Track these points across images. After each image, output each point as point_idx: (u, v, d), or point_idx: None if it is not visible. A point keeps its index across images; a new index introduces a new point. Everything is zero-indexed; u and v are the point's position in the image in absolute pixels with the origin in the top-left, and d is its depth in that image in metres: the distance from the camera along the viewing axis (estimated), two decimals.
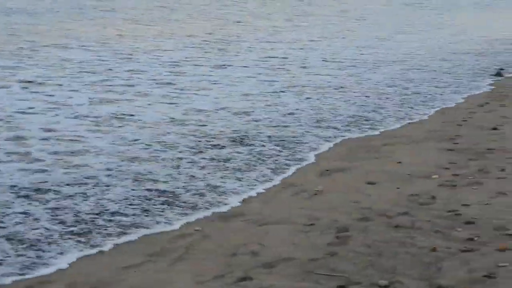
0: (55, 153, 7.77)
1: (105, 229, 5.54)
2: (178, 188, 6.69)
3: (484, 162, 7.51)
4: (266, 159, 7.89)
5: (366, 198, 6.30)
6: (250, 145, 8.49)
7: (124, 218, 5.79)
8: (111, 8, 27.01)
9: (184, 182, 6.87)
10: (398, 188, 6.59)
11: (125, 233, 5.48)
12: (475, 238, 5.02)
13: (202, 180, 6.96)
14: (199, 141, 8.55)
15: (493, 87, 13.76)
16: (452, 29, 26.32)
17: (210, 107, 10.69)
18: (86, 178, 6.86)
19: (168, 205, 6.18)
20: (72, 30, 19.50)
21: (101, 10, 25.67)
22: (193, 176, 7.07)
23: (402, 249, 4.89)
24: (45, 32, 18.78)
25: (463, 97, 12.57)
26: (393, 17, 30.61)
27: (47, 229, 5.46)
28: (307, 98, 11.90)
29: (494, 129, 9.36)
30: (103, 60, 14.72)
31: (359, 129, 9.75)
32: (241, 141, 8.63)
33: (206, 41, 19.14)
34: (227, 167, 7.48)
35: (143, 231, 5.57)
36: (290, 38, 21.03)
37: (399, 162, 7.66)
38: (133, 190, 6.56)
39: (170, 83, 12.66)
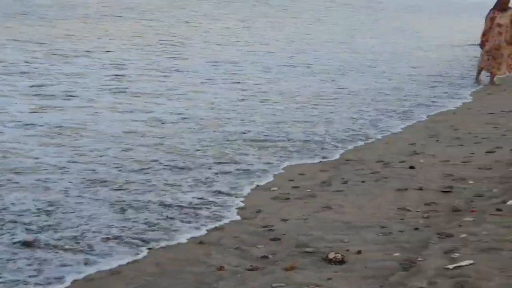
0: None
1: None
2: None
3: (333, 174, 7.28)
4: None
5: None
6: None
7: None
8: (64, 6, 26.08)
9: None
10: None
11: None
12: (270, 256, 4.93)
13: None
14: (175, 159, 7.67)
15: None
16: (408, 33, 26.16)
17: (173, 118, 9.85)
18: (49, 204, 5.94)
19: None
20: (12, 29, 18.44)
21: (53, 9, 24.75)
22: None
23: (190, 267, 4.76)
24: None
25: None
26: (349, 20, 30.35)
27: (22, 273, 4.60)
28: (286, 107, 11.12)
29: (368, 138, 9.27)
30: (40, 63, 13.78)
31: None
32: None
33: (153, 42, 18.36)
34: None
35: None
36: (244, 40, 20.39)
37: None
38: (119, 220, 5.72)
39: (119, 89, 11.82)
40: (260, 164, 7.63)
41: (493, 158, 7.75)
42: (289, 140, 8.84)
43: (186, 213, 5.87)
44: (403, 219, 5.70)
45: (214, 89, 12.45)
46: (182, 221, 5.70)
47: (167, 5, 30.99)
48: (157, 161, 7.50)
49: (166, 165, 7.36)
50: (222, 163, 7.58)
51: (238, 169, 7.38)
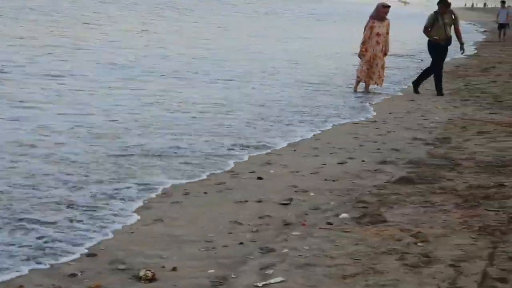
0: None
1: None
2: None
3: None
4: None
5: None
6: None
7: None
8: None
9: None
10: None
11: None
12: (79, 274, 4.65)
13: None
14: (68, 173, 7.04)
15: None
16: (310, 41, 26.25)
17: (64, 126, 9.21)
18: None
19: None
20: None
21: None
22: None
23: None
24: None
25: None
26: (251, 27, 30.30)
27: None
28: (193, 117, 10.46)
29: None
30: None
31: None
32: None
33: (44, 44, 17.61)
34: None
35: None
36: (142, 44, 19.89)
37: None
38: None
39: (2, 94, 11.14)
40: (161, 180, 7.08)
41: (342, 169, 7.69)
42: (193, 153, 8.32)
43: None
44: (231, 233, 5.53)
45: (110, 95, 11.86)
46: (68, 243, 5.18)
47: (69, 6, 30.13)
48: (47, 174, 6.89)
49: (58, 180, 6.75)
50: (117, 179, 6.99)
51: (138, 184, 6.84)
